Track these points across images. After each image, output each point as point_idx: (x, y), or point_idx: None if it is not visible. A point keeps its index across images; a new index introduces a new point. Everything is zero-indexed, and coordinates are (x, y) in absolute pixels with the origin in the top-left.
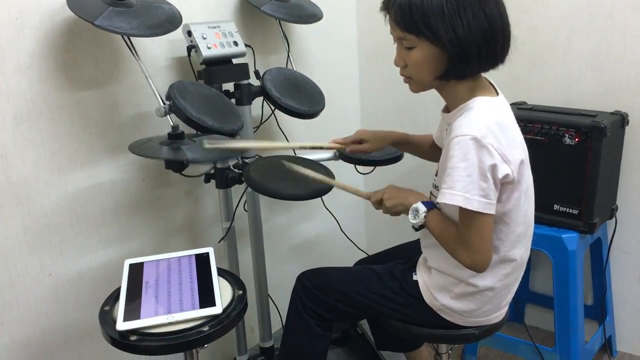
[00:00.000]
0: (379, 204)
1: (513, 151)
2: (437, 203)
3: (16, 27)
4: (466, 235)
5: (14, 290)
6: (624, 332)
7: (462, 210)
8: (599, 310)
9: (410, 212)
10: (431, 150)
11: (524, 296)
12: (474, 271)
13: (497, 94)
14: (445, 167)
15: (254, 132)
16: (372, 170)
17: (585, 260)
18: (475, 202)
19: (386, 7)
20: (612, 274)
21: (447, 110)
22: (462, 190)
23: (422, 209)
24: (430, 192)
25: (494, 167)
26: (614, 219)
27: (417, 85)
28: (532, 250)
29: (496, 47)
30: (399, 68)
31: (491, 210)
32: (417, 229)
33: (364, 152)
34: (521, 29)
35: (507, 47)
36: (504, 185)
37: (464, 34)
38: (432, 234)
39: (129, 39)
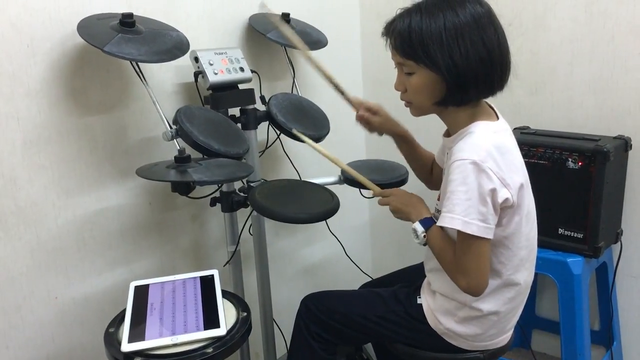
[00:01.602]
0: (385, 205)
1: (512, 175)
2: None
3: (27, 54)
4: (463, 259)
5: (19, 313)
6: (632, 358)
7: (460, 234)
8: (606, 335)
9: (411, 231)
10: (430, 167)
11: (531, 322)
12: (469, 295)
13: (498, 118)
14: (446, 191)
15: (260, 156)
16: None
17: (591, 285)
18: (474, 226)
19: (387, 32)
20: (618, 298)
21: (448, 134)
22: (461, 214)
23: (420, 229)
24: (434, 216)
25: (493, 192)
26: (619, 243)
27: (417, 109)
28: (537, 274)
29: (494, 75)
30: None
31: (489, 235)
32: (424, 245)
33: (370, 123)
34: (523, 54)
35: (506, 75)
36: (504, 210)
37: (462, 61)
38: (433, 252)
39: (137, 65)
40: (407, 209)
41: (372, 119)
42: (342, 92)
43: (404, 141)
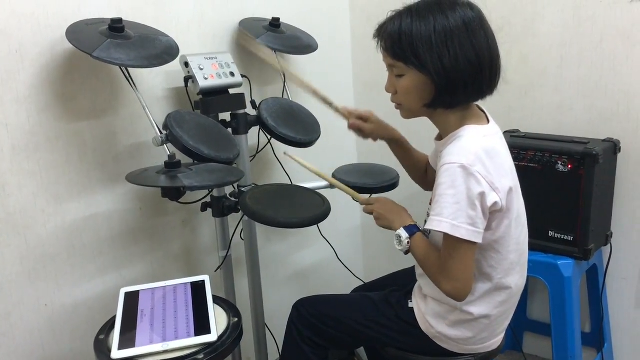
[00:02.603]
0: (371, 214)
1: (501, 179)
2: (429, 231)
3: (16, 59)
4: (448, 262)
5: (9, 320)
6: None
7: (448, 238)
8: (597, 337)
9: (394, 238)
10: (424, 168)
11: (522, 324)
12: (454, 299)
13: (489, 121)
14: (435, 194)
15: (251, 160)
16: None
17: (582, 287)
18: (462, 230)
19: (378, 34)
20: (609, 300)
21: (439, 138)
22: (449, 217)
23: (404, 235)
24: (425, 221)
25: (482, 195)
26: (609, 246)
27: (407, 112)
28: (528, 277)
29: (483, 79)
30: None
31: (478, 239)
32: (406, 253)
33: (363, 130)
34: (513, 58)
35: (496, 79)
36: (493, 213)
37: (451, 64)
38: (416, 259)
39: (127, 70)
40: (391, 216)
41: (364, 127)
42: (330, 104)
43: (398, 145)
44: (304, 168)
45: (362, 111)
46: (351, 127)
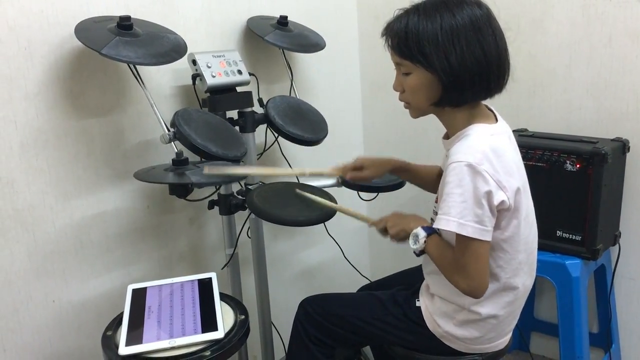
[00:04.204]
0: (384, 231)
1: (509, 178)
2: (438, 229)
3: (25, 56)
4: (462, 261)
5: (17, 316)
6: None
7: (458, 236)
8: (605, 338)
9: (410, 237)
10: (436, 179)
11: (529, 324)
12: (471, 297)
13: (497, 120)
14: (442, 193)
15: (258, 158)
16: (375, 197)
17: (590, 287)
18: (469, 228)
19: (385, 32)
20: (617, 301)
21: (447, 137)
22: (456, 216)
23: (422, 234)
24: (431, 219)
25: (489, 194)
26: (617, 246)
27: (414, 110)
28: (536, 277)
29: (490, 77)
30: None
31: (487, 237)
32: (418, 254)
33: (364, 179)
34: (521, 56)
35: (504, 77)
36: (501, 212)
37: (457, 62)
38: (431, 258)
39: (135, 67)
40: (405, 220)
41: (363, 176)
42: (320, 174)
43: (402, 170)
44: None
45: (351, 163)
46: (351, 179)
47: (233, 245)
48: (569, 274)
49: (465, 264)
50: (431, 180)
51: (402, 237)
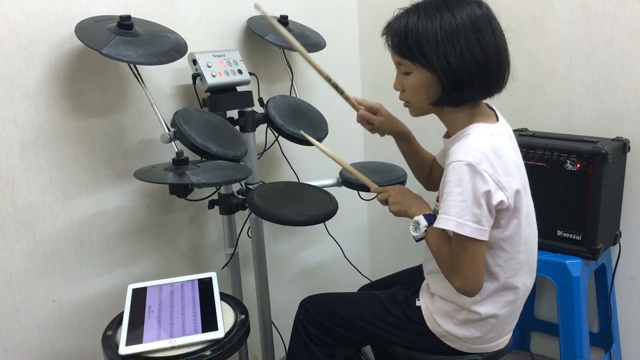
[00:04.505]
0: (385, 202)
1: (509, 178)
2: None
3: (25, 56)
4: (458, 260)
5: (17, 316)
6: None
7: (456, 235)
8: (605, 337)
9: (411, 223)
10: (429, 167)
11: (530, 324)
12: (464, 295)
13: (498, 120)
14: (443, 192)
15: (258, 158)
16: (375, 197)
17: (590, 287)
18: (467, 228)
19: (385, 32)
20: (617, 300)
21: (447, 136)
22: (455, 215)
23: (423, 222)
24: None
25: (488, 194)
26: (617, 245)
27: (414, 109)
28: (536, 276)
29: (490, 77)
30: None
31: (484, 237)
32: (417, 240)
33: (372, 121)
34: (521, 56)
35: (504, 77)
36: (500, 212)
37: (457, 62)
38: (430, 248)
39: (135, 67)
40: (407, 201)
41: (373, 119)
42: (341, 92)
43: (405, 140)
44: (320, 151)
45: (371, 102)
46: (360, 118)
47: (233, 245)
48: (570, 273)
49: (462, 262)
50: (424, 165)
51: (401, 215)
